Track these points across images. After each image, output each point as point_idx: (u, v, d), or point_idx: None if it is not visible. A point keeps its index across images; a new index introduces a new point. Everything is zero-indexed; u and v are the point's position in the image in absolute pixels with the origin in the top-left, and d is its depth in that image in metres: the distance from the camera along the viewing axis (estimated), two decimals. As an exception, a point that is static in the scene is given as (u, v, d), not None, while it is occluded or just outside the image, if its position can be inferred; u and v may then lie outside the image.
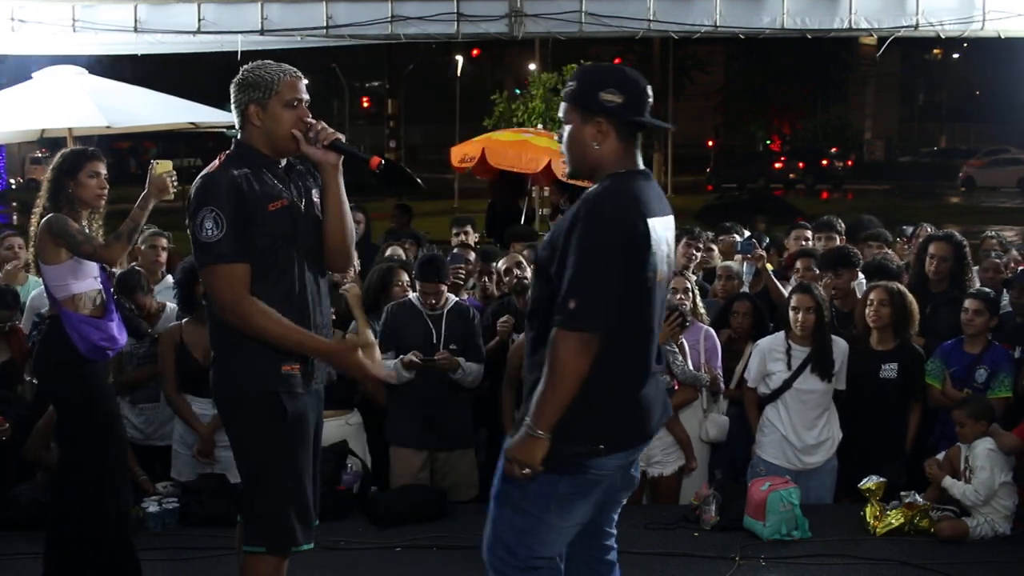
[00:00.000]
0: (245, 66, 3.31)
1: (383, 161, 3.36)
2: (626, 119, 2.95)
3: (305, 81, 3.32)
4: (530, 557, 2.95)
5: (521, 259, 6.00)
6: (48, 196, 4.25)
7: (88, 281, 4.22)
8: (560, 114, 3.05)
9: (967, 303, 5.45)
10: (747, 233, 7.58)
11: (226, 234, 3.12)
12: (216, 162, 3.27)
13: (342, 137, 3.30)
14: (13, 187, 38.65)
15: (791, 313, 5.32)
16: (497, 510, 3.02)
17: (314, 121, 3.28)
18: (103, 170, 4.30)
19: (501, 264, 6.12)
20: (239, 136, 3.33)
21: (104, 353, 4.26)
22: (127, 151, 41.08)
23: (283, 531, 3.26)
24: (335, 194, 3.32)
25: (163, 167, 4.23)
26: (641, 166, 3.00)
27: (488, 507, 3.09)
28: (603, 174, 2.96)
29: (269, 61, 3.32)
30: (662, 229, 2.95)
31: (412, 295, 5.53)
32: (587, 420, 2.87)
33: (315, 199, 3.35)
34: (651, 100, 3.01)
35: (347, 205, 3.36)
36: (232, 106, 3.30)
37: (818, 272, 6.07)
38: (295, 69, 3.29)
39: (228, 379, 3.26)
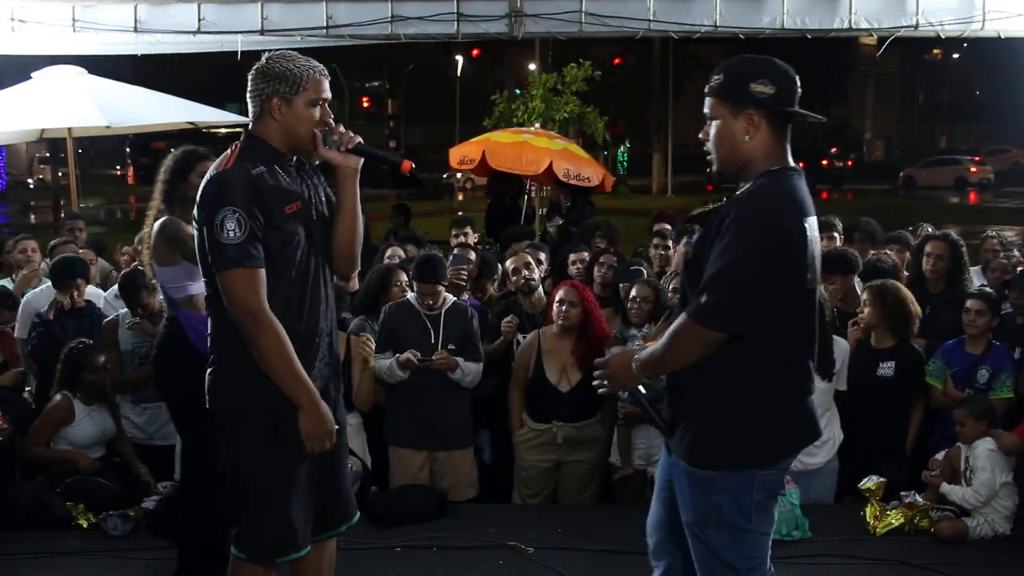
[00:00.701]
0: (270, 54, 3.19)
1: (414, 165, 3.33)
2: (778, 110, 2.88)
3: (329, 79, 3.25)
4: (751, 567, 2.97)
5: (530, 260, 5.96)
6: (162, 198, 4.27)
7: (204, 282, 4.22)
8: (705, 110, 2.95)
9: (969, 303, 5.45)
10: None
11: (248, 236, 3.02)
12: (230, 155, 3.15)
13: (361, 140, 3.25)
14: (31, 186, 38.71)
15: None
16: (703, 533, 2.96)
17: (335, 124, 3.21)
18: None
19: (509, 264, 6.09)
20: (251, 127, 3.22)
21: None
22: (165, 151, 41.19)
23: (269, 545, 3.23)
24: (351, 199, 3.25)
25: None
26: (792, 162, 2.94)
27: (688, 537, 3.04)
28: (754, 170, 2.90)
29: (296, 54, 3.21)
30: (815, 229, 2.90)
31: (410, 295, 5.53)
32: (765, 425, 2.90)
33: (323, 197, 3.29)
34: (800, 92, 2.93)
35: (360, 211, 3.29)
36: (249, 94, 3.18)
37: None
38: (322, 67, 3.21)
39: (227, 391, 3.19)
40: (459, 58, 36.23)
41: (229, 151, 3.17)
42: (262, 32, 10.54)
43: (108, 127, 9.51)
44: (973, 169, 36.30)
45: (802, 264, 2.84)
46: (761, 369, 2.86)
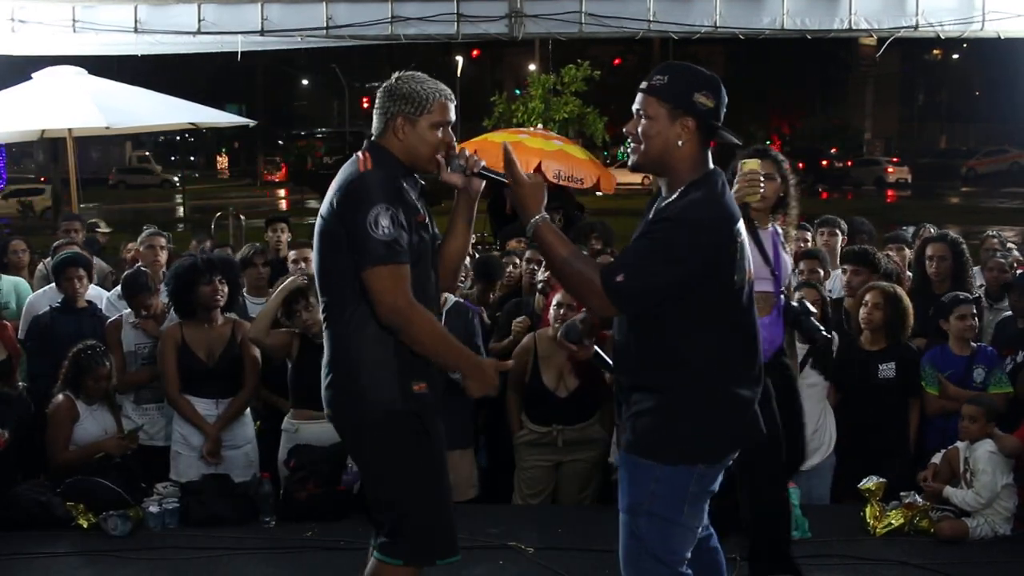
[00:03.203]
0: (400, 73, 3.25)
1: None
2: (710, 124, 2.97)
3: (455, 103, 3.28)
4: (675, 561, 3.01)
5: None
6: None
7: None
8: (637, 105, 3.01)
9: (960, 310, 5.46)
10: None
11: (399, 233, 3.04)
12: (363, 160, 3.16)
13: (484, 163, 3.30)
14: (178, 182, 39.31)
15: (792, 307, 5.32)
16: (632, 522, 3.03)
17: (459, 147, 3.26)
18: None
19: (529, 253, 6.07)
20: (375, 139, 3.23)
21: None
22: (304, 149, 42.72)
23: (432, 546, 3.22)
24: (468, 220, 3.35)
25: (750, 165, 4.06)
26: (712, 164, 3.03)
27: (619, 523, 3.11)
28: (679, 177, 2.97)
29: (424, 75, 3.26)
30: (743, 230, 3.00)
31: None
32: (712, 423, 2.97)
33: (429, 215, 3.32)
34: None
35: (471, 232, 3.41)
36: (376, 110, 3.23)
37: (822, 273, 6.10)
38: (449, 91, 3.26)
39: (353, 402, 3.17)
40: (459, 59, 36.21)
41: (360, 157, 3.18)
42: (262, 32, 10.56)
43: (108, 128, 9.52)
44: (890, 170, 39.85)
45: (731, 266, 2.93)
46: (711, 367, 2.95)
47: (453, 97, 3.27)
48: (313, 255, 3.27)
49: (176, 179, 40.82)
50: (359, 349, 3.14)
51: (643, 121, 2.98)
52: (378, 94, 3.23)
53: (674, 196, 2.96)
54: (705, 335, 2.93)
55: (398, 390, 3.14)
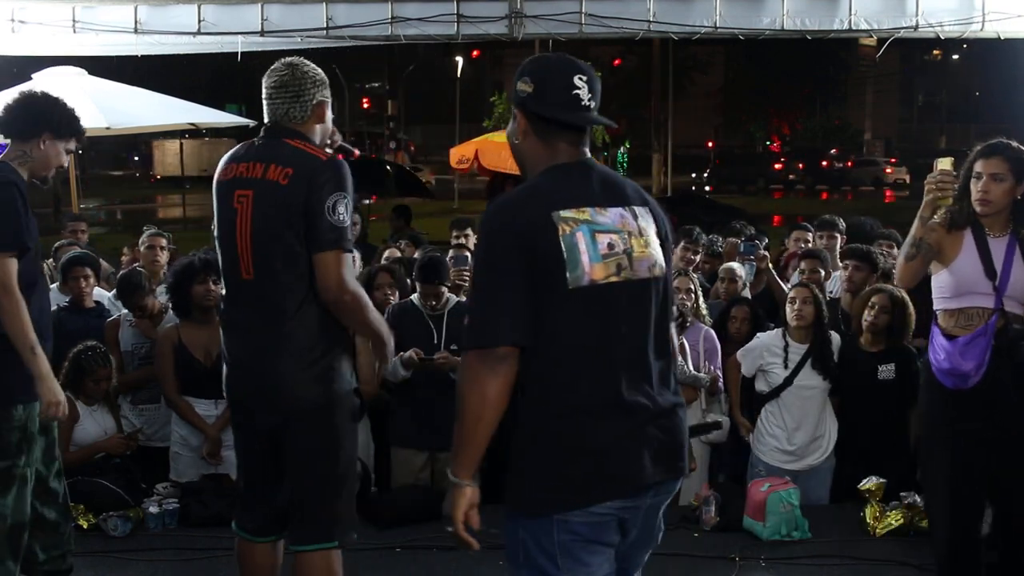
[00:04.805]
0: (296, 60, 3.39)
1: (359, 153, 3.66)
2: (532, 111, 2.58)
3: None
4: None
5: None
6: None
7: (966, 298, 3.74)
8: None
9: None
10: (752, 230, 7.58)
11: (352, 226, 3.28)
12: (306, 146, 3.29)
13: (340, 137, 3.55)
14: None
15: (789, 307, 5.33)
16: (514, 573, 2.71)
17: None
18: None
19: None
20: (295, 126, 3.34)
21: (949, 378, 3.79)
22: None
23: (352, 523, 3.50)
24: None
25: (943, 165, 3.80)
26: (567, 160, 2.60)
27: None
28: (528, 175, 2.67)
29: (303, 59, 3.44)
30: (601, 218, 2.53)
31: (413, 296, 5.53)
32: (549, 465, 2.58)
33: None
34: (579, 92, 2.55)
35: None
36: (293, 96, 3.33)
37: (823, 274, 6.10)
38: None
39: (326, 383, 3.33)
40: (459, 59, 36.25)
41: (300, 144, 3.28)
42: (262, 33, 10.56)
43: (108, 128, 9.53)
44: (888, 170, 40.42)
45: (557, 264, 2.46)
46: (549, 392, 2.52)
47: None
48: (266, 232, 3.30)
49: None
50: (323, 333, 3.33)
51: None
52: (290, 78, 3.32)
53: None
54: (537, 354, 2.48)
55: (347, 370, 3.40)
